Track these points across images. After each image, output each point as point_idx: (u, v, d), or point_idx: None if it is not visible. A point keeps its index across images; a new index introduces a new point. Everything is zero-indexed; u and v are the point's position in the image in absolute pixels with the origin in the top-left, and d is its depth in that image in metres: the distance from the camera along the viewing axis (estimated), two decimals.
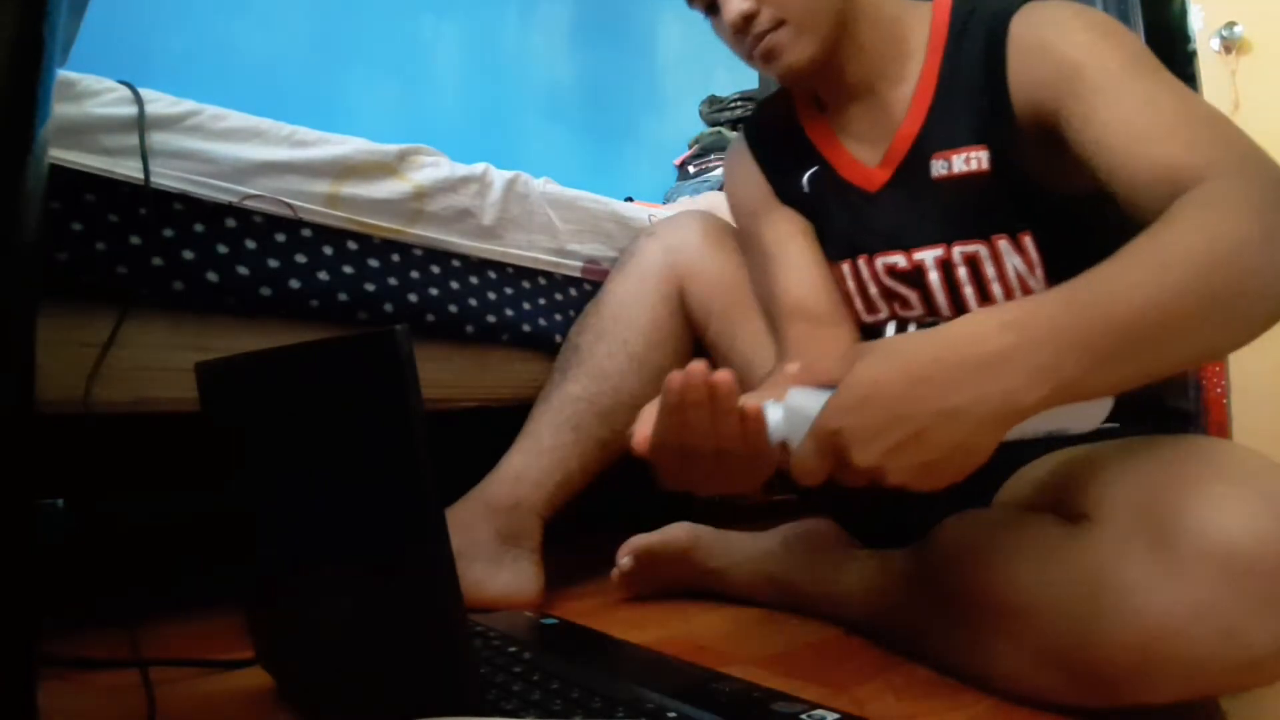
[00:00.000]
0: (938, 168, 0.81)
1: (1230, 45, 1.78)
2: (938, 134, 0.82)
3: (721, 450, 0.59)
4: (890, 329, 0.89)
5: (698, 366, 0.57)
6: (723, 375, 0.57)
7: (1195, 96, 0.68)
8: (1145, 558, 0.55)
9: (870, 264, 0.88)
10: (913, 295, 0.86)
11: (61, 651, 0.73)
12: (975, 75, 0.79)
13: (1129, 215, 0.64)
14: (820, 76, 0.85)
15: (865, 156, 0.88)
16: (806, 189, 0.93)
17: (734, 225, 1.08)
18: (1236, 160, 0.60)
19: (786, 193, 0.95)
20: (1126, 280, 0.55)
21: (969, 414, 0.52)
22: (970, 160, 0.80)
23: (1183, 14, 1.87)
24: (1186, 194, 0.58)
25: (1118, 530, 0.58)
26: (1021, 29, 0.76)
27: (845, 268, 0.91)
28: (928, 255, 0.84)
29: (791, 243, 0.94)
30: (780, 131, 0.96)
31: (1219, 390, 1.76)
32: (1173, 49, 1.89)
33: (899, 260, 0.86)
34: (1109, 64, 0.69)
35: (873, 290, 0.89)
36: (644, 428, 0.62)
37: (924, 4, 0.85)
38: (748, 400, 0.59)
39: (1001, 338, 0.53)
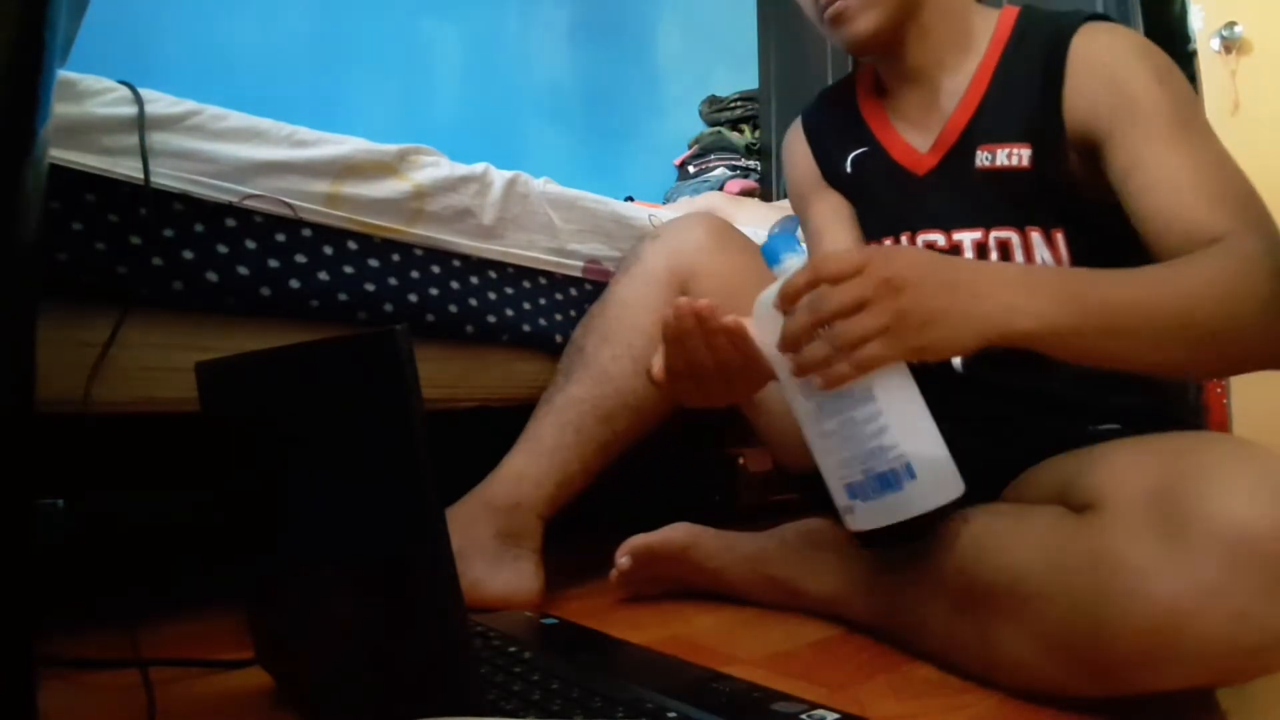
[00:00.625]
0: (982, 158, 0.86)
1: (1230, 45, 1.78)
2: (986, 126, 0.86)
3: (720, 363, 0.71)
4: None
5: (682, 300, 0.71)
6: (704, 302, 0.70)
7: (1227, 157, 0.75)
8: (1155, 543, 0.56)
9: (912, 240, 0.91)
10: None
11: (61, 651, 0.73)
12: (1030, 77, 0.83)
13: (1152, 255, 0.73)
14: (883, 56, 0.91)
15: (916, 141, 0.92)
16: (849, 170, 0.98)
17: (736, 227, 1.10)
18: (1252, 227, 0.69)
19: (832, 174, 1.01)
20: (1127, 283, 0.65)
21: (966, 299, 0.62)
22: (1013, 156, 0.84)
23: (1183, 14, 1.87)
24: (1206, 248, 0.68)
25: (1127, 516, 0.58)
26: (1086, 48, 0.80)
27: (889, 242, 0.94)
28: (966, 238, 0.87)
29: (832, 226, 1.00)
30: (835, 115, 1.02)
31: (1219, 390, 1.76)
32: (1173, 49, 1.88)
33: (939, 239, 0.89)
34: (1163, 113, 0.75)
35: None
36: (659, 361, 0.75)
37: (993, 9, 0.90)
38: (731, 318, 0.70)
39: (1014, 270, 0.69)
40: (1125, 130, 0.76)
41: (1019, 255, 0.84)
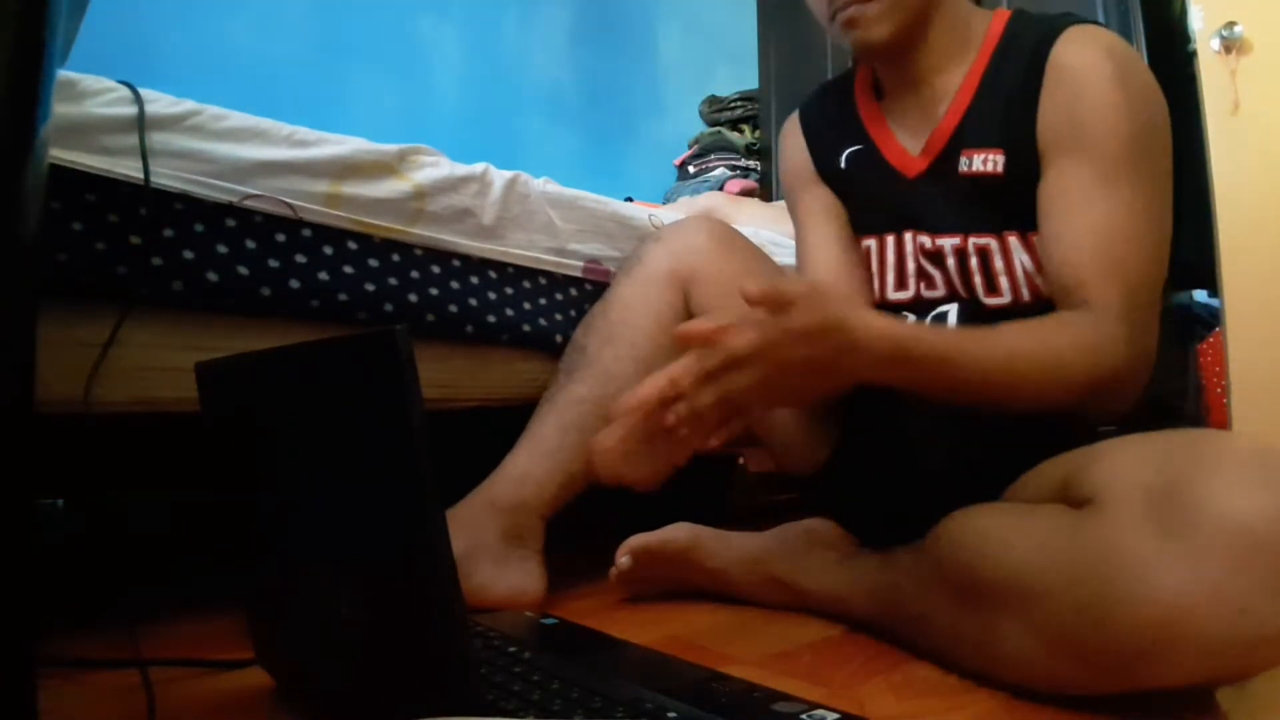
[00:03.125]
0: (964, 164, 0.88)
1: (1230, 45, 1.78)
2: (969, 132, 0.88)
3: None
4: (910, 319, 0.92)
5: None
6: None
7: (1150, 212, 0.79)
8: (1157, 539, 0.56)
9: (900, 241, 0.95)
10: (938, 275, 0.92)
11: (61, 651, 0.73)
12: (1013, 83, 0.85)
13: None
14: (889, 62, 0.93)
15: (909, 144, 0.94)
16: (844, 165, 1.01)
17: (739, 229, 1.10)
18: (1121, 311, 0.75)
19: (826, 169, 1.03)
20: (976, 347, 0.73)
21: (844, 355, 0.68)
22: (988, 162, 0.87)
23: (1183, 14, 1.86)
24: (1066, 312, 0.77)
25: (1129, 512, 0.58)
26: (1063, 57, 0.82)
27: (890, 239, 0.96)
28: (947, 243, 0.90)
29: (817, 219, 1.03)
30: (833, 111, 1.04)
31: (1219, 390, 1.76)
32: (1172, 49, 1.88)
33: (925, 241, 0.92)
34: (1109, 149, 0.78)
35: (910, 265, 0.94)
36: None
37: (988, 12, 0.92)
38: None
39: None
40: (1066, 155, 0.80)
41: (998, 260, 0.87)
